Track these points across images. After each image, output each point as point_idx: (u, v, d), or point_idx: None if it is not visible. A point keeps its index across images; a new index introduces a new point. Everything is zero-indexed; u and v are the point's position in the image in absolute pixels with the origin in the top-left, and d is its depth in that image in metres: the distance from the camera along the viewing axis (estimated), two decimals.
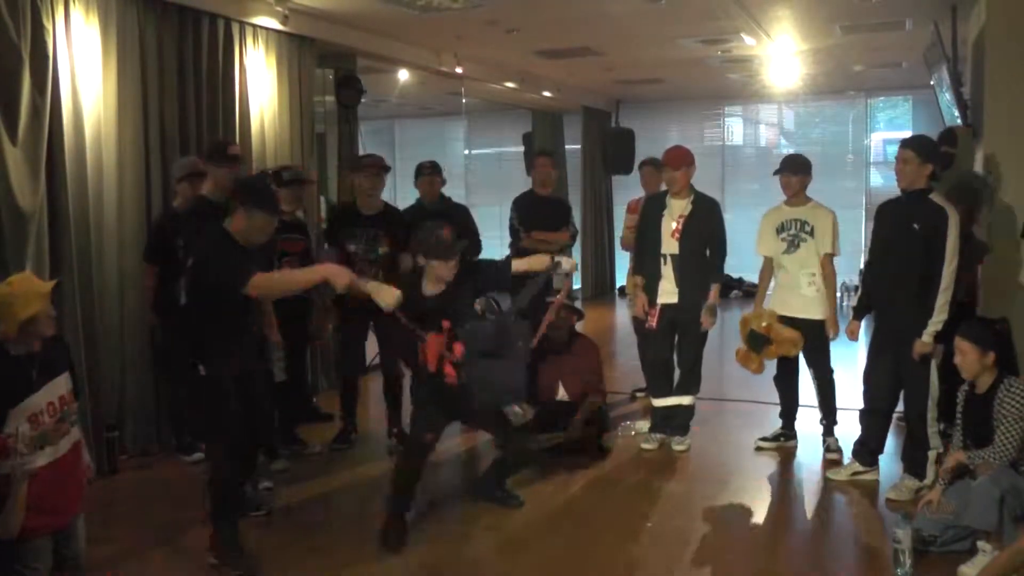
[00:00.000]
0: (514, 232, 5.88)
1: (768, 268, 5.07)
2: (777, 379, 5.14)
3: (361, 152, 7.11)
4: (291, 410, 5.22)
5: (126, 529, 4.04)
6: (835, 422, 4.99)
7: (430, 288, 4.03)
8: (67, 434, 3.28)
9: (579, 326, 5.54)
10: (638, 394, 6.27)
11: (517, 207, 5.95)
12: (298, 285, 3.71)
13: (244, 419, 3.65)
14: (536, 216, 5.82)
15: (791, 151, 12.15)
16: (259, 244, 3.62)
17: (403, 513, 3.96)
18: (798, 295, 4.88)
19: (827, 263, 4.86)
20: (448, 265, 3.96)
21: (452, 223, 4.69)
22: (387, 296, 3.54)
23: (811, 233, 4.85)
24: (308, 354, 5.45)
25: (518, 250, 5.92)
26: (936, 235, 4.10)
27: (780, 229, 4.95)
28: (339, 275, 3.48)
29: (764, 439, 5.19)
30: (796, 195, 4.94)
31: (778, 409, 5.22)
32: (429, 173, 5.50)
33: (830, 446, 4.96)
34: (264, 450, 4.88)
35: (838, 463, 4.79)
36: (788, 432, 5.17)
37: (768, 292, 5.15)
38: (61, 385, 3.29)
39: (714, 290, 5.04)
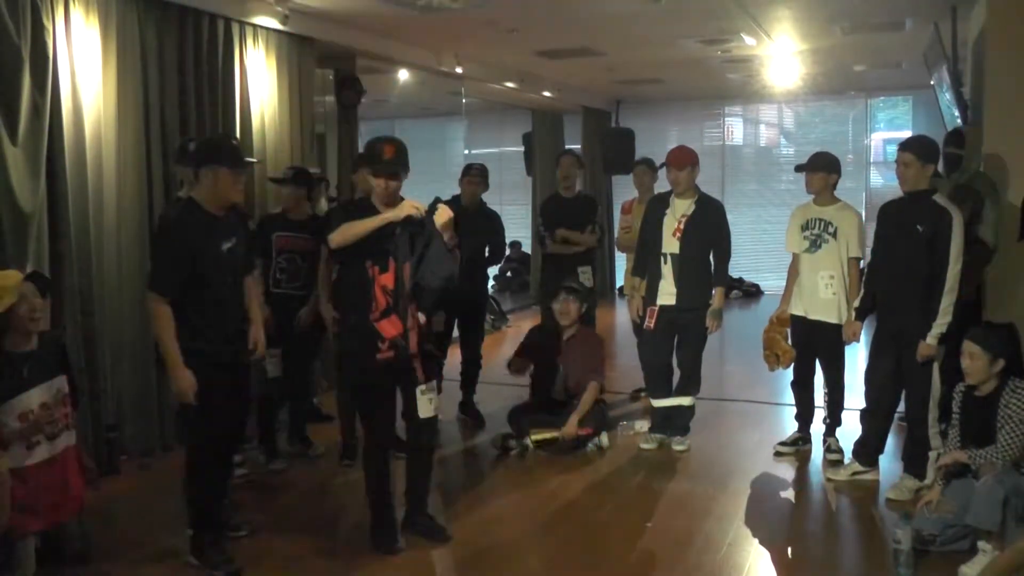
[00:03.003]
0: (540, 238, 5.93)
1: (795, 265, 4.99)
2: (794, 384, 5.10)
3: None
4: (295, 409, 5.21)
5: (126, 530, 4.04)
6: (839, 423, 4.98)
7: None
8: (62, 433, 3.28)
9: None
10: (639, 394, 6.25)
11: (542, 211, 6.07)
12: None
13: (231, 418, 3.59)
14: (559, 217, 5.89)
15: (791, 151, 12.29)
16: (230, 205, 3.55)
17: (390, 516, 3.85)
18: (816, 298, 4.83)
19: (853, 266, 4.79)
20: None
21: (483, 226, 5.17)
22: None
23: (834, 235, 4.79)
24: (312, 352, 5.39)
25: (545, 255, 6.00)
26: (940, 236, 4.08)
27: (804, 227, 4.89)
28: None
29: (783, 444, 5.11)
30: (821, 193, 4.88)
31: (778, 409, 5.21)
32: (477, 175, 5.66)
33: (831, 446, 4.95)
34: (264, 448, 4.91)
35: (839, 463, 4.79)
36: (805, 436, 5.11)
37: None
38: (56, 387, 3.28)
39: (718, 293, 5.02)
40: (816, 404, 5.14)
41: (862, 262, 4.85)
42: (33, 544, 3.29)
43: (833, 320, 4.78)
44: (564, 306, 5.31)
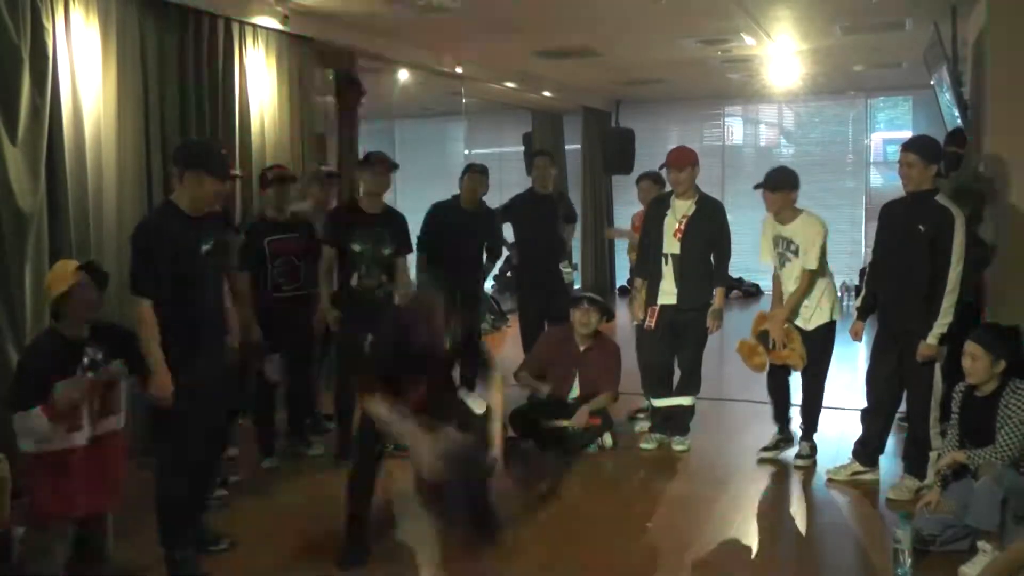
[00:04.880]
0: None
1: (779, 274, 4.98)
2: (770, 387, 5.03)
3: (361, 152, 7.10)
4: (296, 409, 5.20)
5: (125, 530, 4.03)
6: (814, 429, 4.91)
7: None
8: (108, 417, 3.31)
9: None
10: (638, 416, 5.83)
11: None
12: (145, 348, 3.38)
13: (205, 438, 3.51)
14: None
15: (791, 151, 12.29)
16: (205, 212, 3.50)
17: (363, 532, 3.70)
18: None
19: (804, 277, 4.69)
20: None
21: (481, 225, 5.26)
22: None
23: (796, 252, 4.74)
24: (312, 355, 5.38)
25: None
26: (942, 236, 4.07)
27: (774, 244, 4.86)
28: (162, 389, 3.34)
29: (766, 449, 5.01)
30: (781, 212, 4.79)
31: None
32: (478, 173, 5.66)
33: (801, 451, 4.89)
34: (260, 447, 4.91)
35: (806, 469, 4.76)
36: (786, 436, 5.03)
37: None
38: (109, 373, 3.36)
39: (719, 293, 5.01)
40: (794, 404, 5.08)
41: (840, 276, 4.76)
42: (69, 533, 3.28)
43: (806, 327, 4.74)
44: (584, 316, 5.22)
